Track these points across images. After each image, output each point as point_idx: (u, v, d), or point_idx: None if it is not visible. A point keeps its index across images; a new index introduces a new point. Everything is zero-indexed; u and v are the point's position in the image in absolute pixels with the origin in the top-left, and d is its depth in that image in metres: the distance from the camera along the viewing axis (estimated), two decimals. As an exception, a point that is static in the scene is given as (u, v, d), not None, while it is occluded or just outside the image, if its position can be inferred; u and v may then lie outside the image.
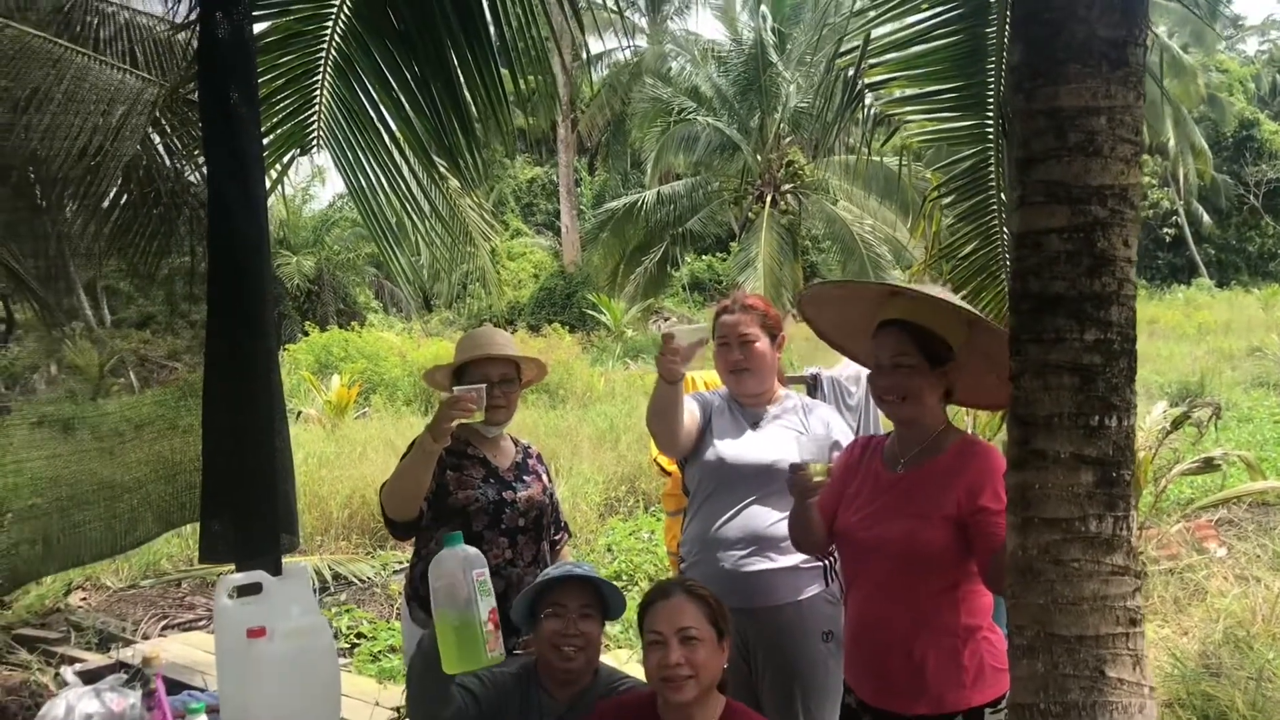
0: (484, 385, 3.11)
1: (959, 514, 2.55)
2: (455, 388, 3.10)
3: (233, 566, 3.26)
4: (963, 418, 5.77)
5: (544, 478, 3.51)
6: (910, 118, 4.93)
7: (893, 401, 2.70)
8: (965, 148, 4.76)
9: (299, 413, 15.06)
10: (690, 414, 3.32)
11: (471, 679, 2.71)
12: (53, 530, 4.09)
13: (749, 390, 3.39)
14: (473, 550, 2.49)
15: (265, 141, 4.21)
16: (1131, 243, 1.97)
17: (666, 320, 29.85)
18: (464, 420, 3.10)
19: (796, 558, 3.18)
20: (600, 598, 2.87)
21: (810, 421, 3.39)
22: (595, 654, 2.86)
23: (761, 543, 3.20)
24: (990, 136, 4.54)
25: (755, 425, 3.38)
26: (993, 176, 4.66)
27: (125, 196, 4.89)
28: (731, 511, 3.25)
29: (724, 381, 3.47)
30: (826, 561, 3.24)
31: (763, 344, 3.34)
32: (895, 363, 2.66)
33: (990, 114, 4.51)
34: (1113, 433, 1.94)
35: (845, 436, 3.37)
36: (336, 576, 8.06)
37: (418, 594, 3.29)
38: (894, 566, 2.63)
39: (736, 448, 3.32)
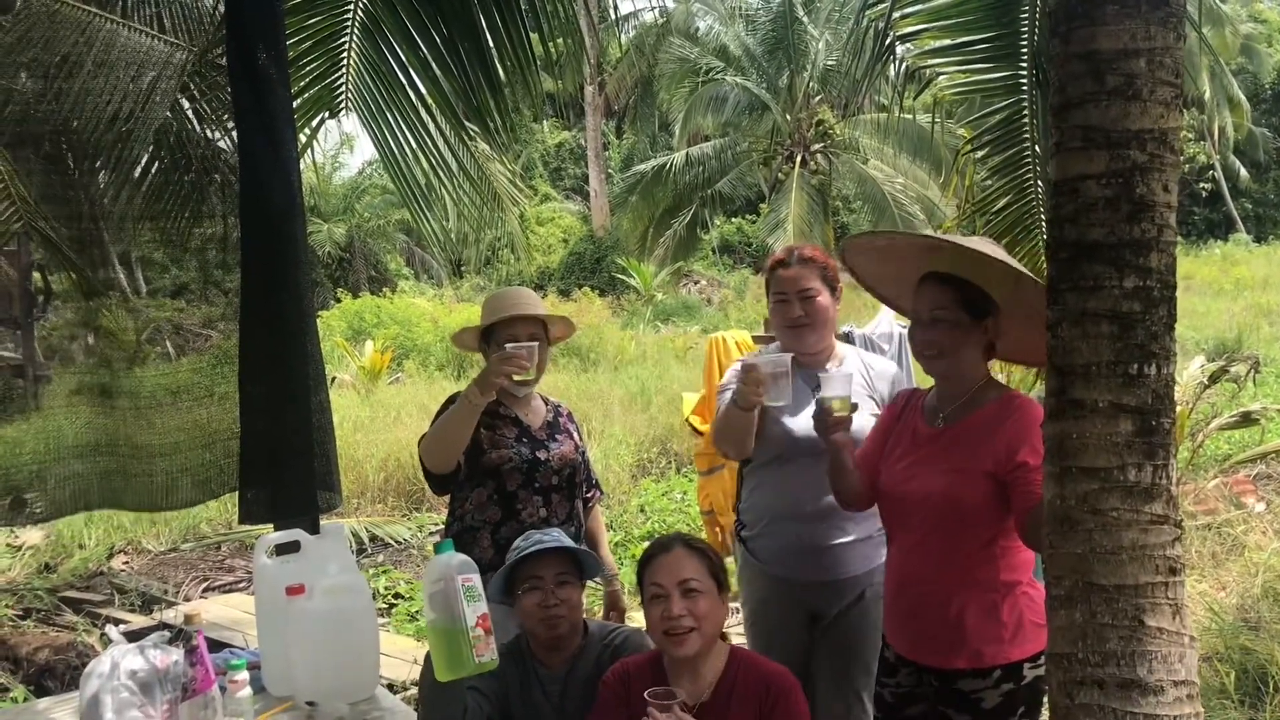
0: (535, 345, 3.11)
1: (997, 470, 2.53)
2: (508, 345, 3.10)
3: (271, 527, 3.30)
4: (997, 374, 5.73)
5: (575, 436, 3.52)
6: (943, 70, 4.86)
7: (931, 356, 2.67)
8: (999, 100, 4.70)
9: (334, 378, 15.16)
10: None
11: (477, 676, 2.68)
12: (92, 490, 4.15)
13: (809, 347, 3.24)
14: (461, 557, 2.47)
15: (294, 105, 4.22)
16: (1171, 188, 1.94)
17: (697, 284, 29.79)
18: (519, 378, 3.10)
19: (870, 528, 3.11)
20: (575, 561, 2.86)
21: (875, 381, 3.28)
22: (579, 617, 2.86)
23: (838, 515, 3.10)
24: (1024, 88, 4.48)
25: (818, 389, 3.20)
26: (1027, 129, 4.60)
27: (156, 164, 4.90)
28: (804, 483, 3.12)
29: (781, 338, 3.33)
30: None
31: (824, 297, 3.19)
32: (934, 317, 2.62)
33: (1024, 65, 4.45)
34: (1152, 381, 1.92)
35: (901, 386, 3.27)
36: (373, 538, 8.14)
37: None
38: (933, 521, 2.62)
39: (802, 420, 3.14)
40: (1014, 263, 2.62)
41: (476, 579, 2.44)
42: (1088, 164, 1.95)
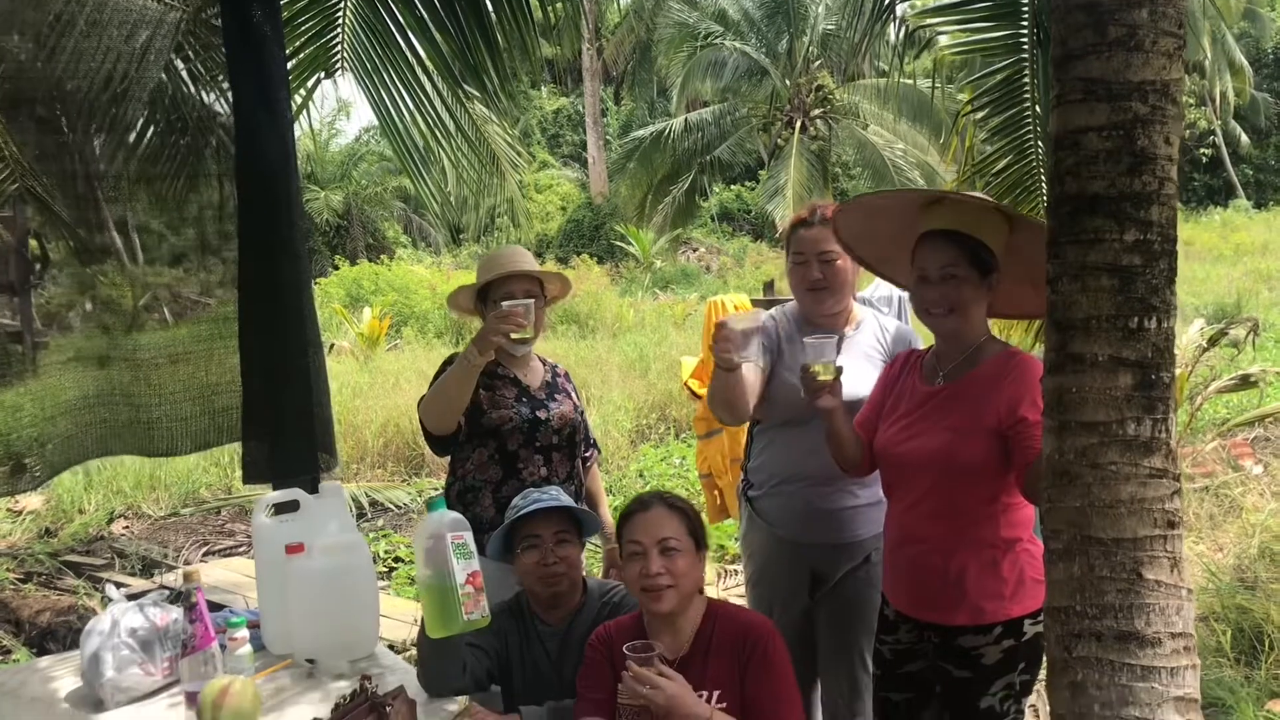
0: (530, 301, 3.08)
1: (999, 425, 2.52)
2: (504, 303, 3.08)
3: (270, 488, 3.31)
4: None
5: (573, 396, 3.52)
6: (942, 30, 4.83)
7: (940, 314, 2.63)
8: (999, 59, 4.66)
9: (331, 345, 15.17)
10: (755, 378, 3.15)
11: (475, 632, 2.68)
12: (89, 441, 4.16)
13: (827, 310, 3.18)
14: (452, 514, 2.47)
15: (289, 65, 4.18)
16: (1173, 140, 1.92)
17: (695, 251, 29.74)
18: (517, 336, 3.08)
19: (878, 492, 3.03)
20: (573, 520, 2.87)
21: (891, 345, 3.23)
22: (578, 574, 2.87)
23: (844, 478, 3.07)
24: (1025, 46, 4.44)
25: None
26: (1027, 89, 4.57)
27: (151, 127, 4.87)
28: (814, 446, 3.04)
29: (799, 300, 3.26)
30: None
31: (844, 261, 3.11)
32: (945, 274, 2.58)
33: (1024, 23, 4.41)
34: (1152, 335, 1.90)
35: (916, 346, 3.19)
36: (373, 503, 8.17)
37: None
38: (933, 479, 2.61)
39: None
40: (1007, 207, 2.59)
41: (468, 536, 2.45)
42: (1089, 116, 1.93)
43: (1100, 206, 1.91)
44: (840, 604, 3.20)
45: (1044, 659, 2.50)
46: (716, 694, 2.45)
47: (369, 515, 7.97)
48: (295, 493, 3.00)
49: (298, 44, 4.14)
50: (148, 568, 6.84)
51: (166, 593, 2.90)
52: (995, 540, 2.58)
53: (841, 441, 2.83)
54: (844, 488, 3.12)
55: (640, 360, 12.86)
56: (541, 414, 3.32)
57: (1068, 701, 1.91)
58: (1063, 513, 1.95)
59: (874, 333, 3.27)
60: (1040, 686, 3.06)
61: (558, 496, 2.87)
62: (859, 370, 3.08)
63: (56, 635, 5.54)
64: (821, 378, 2.65)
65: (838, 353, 2.80)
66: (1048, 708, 3.88)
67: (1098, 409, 1.91)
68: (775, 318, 3.32)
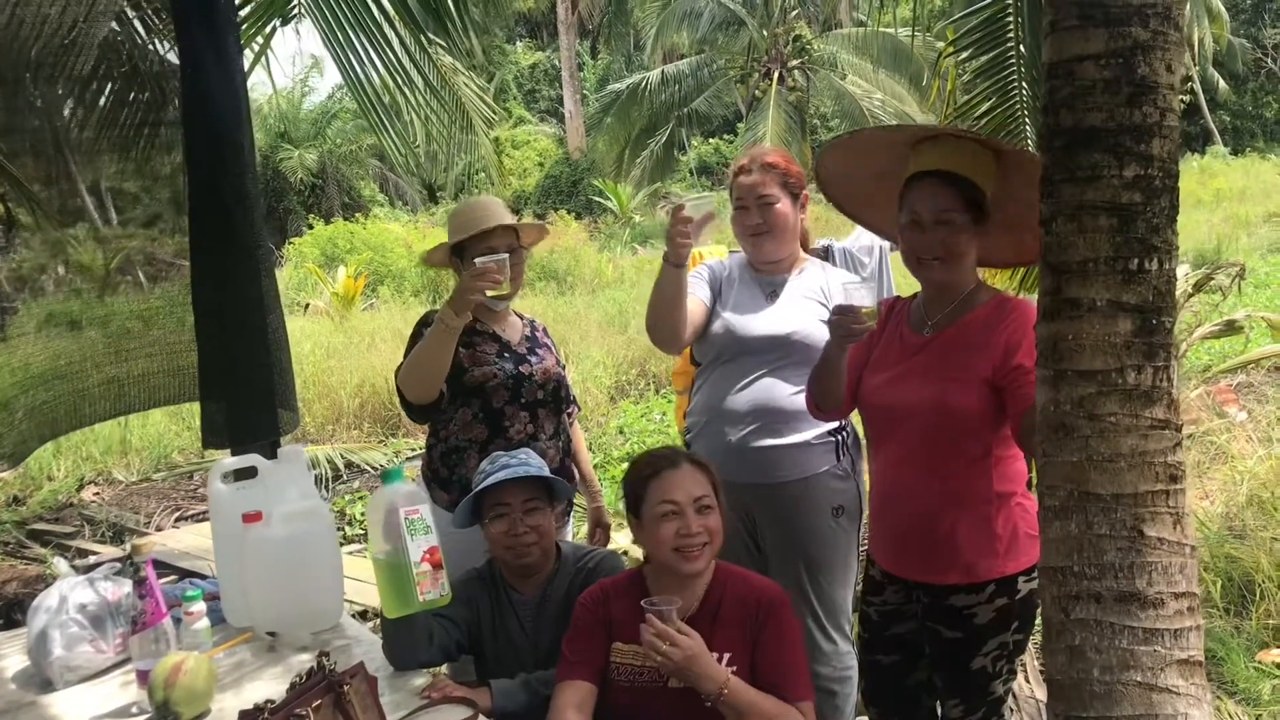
0: (505, 255, 2.95)
1: (994, 375, 2.39)
2: (477, 260, 2.94)
3: (230, 452, 3.18)
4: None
5: (554, 350, 3.40)
6: (924, -32, 4.67)
7: (931, 260, 2.47)
8: (982, -2, 4.52)
9: (306, 305, 14.99)
10: (697, 303, 3.12)
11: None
12: (58, 415, 4.06)
13: (768, 256, 3.16)
14: (408, 487, 2.33)
15: (244, 12, 4.01)
16: (1175, 68, 1.79)
17: (672, 201, 29.55)
18: (493, 293, 2.95)
19: (806, 434, 3.03)
20: (544, 486, 2.74)
21: (832, 289, 3.16)
22: (550, 542, 2.74)
23: (772, 417, 3.04)
24: (1009, -17, 4.30)
25: (772, 295, 3.16)
26: (1011, 29, 4.43)
27: (110, 84, 4.70)
28: (741, 384, 3.08)
29: (742, 246, 3.25)
30: (838, 438, 3.10)
31: (784, 205, 3.10)
32: (939, 219, 2.43)
33: (1009, -41, 4.27)
34: (1153, 277, 1.79)
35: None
36: (349, 465, 8.05)
37: (437, 476, 3.19)
38: (922, 433, 2.48)
39: (749, 319, 3.12)
40: (999, 141, 2.43)
41: (425, 509, 2.31)
42: (1084, 44, 1.80)
43: (1098, 140, 1.79)
44: (783, 547, 3.11)
45: (1037, 617, 2.42)
46: (727, 657, 2.35)
47: (345, 477, 7.85)
48: (253, 458, 2.87)
49: (253, -11, 3.96)
50: (118, 535, 6.70)
51: (118, 565, 2.77)
52: (988, 495, 2.45)
53: (837, 379, 2.66)
54: (769, 428, 3.05)
55: (619, 316, 12.73)
56: (525, 369, 3.19)
57: (1065, 665, 1.81)
58: (1059, 468, 1.84)
59: (818, 282, 3.21)
60: (1033, 645, 2.98)
61: (526, 461, 2.73)
62: (792, 312, 3.10)
63: (23, 606, 5.41)
64: (870, 322, 2.49)
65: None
66: (1035, 664, 3.83)
67: (1095, 357, 1.80)
68: (723, 262, 3.31)
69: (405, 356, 3.15)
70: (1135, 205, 1.78)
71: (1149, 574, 1.76)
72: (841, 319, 2.46)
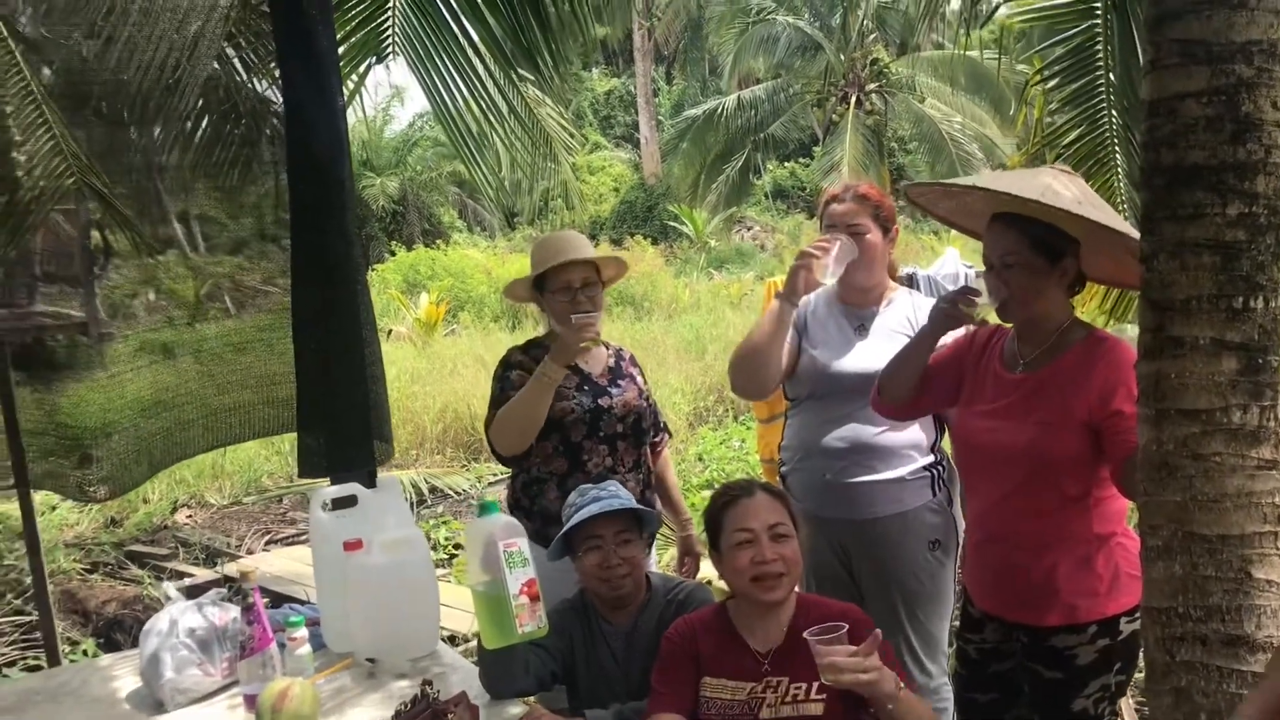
0: (601, 313, 3.10)
1: (1090, 418, 2.36)
2: (573, 316, 3.03)
3: (327, 481, 3.25)
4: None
5: (639, 380, 3.41)
6: (1008, -2, 4.67)
7: (1004, 303, 2.47)
8: (1069, 25, 4.48)
9: (389, 331, 15.25)
10: (784, 352, 3.11)
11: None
12: (155, 448, 4.17)
13: (857, 284, 3.14)
14: (504, 519, 2.37)
15: (340, 51, 4.13)
16: (1280, 105, 1.79)
17: (750, 230, 29.52)
18: (590, 344, 3.04)
19: (902, 469, 3.02)
20: (635, 517, 2.77)
21: (920, 319, 3.08)
22: (641, 573, 2.75)
23: (867, 453, 3.03)
24: (1098, 11, 4.26)
25: (861, 329, 3.15)
26: (1100, 56, 4.39)
27: (206, 117, 4.86)
28: (834, 420, 3.08)
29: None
30: (934, 471, 3.09)
31: (874, 235, 3.08)
32: (1005, 262, 2.44)
33: (1097, -13, 4.24)
34: (1258, 315, 1.78)
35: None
36: (433, 489, 8.16)
37: (519, 505, 3.24)
38: (1020, 475, 2.46)
39: (839, 357, 3.11)
40: (1084, 213, 2.37)
41: (523, 542, 2.35)
42: (1186, 81, 1.80)
43: (1200, 178, 1.79)
44: (878, 581, 3.09)
45: (1139, 658, 2.38)
46: (815, 685, 2.34)
47: (429, 502, 7.96)
48: (353, 487, 2.95)
49: (348, 29, 4.08)
50: (211, 557, 6.88)
51: (224, 590, 2.85)
52: (1088, 536, 2.43)
53: (915, 369, 2.68)
54: (864, 464, 3.04)
55: (696, 342, 12.76)
56: (604, 402, 3.23)
57: (1170, 708, 1.80)
58: (1162, 507, 1.83)
59: (905, 313, 3.19)
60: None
61: (616, 494, 2.76)
62: (883, 348, 3.02)
63: (123, 625, 5.58)
64: (980, 316, 2.51)
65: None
66: (1131, 703, 3.75)
67: (1199, 396, 1.79)
68: (806, 297, 3.27)
69: (491, 403, 3.20)
70: (1239, 243, 1.77)
71: (1257, 617, 1.74)
72: (957, 299, 2.49)
